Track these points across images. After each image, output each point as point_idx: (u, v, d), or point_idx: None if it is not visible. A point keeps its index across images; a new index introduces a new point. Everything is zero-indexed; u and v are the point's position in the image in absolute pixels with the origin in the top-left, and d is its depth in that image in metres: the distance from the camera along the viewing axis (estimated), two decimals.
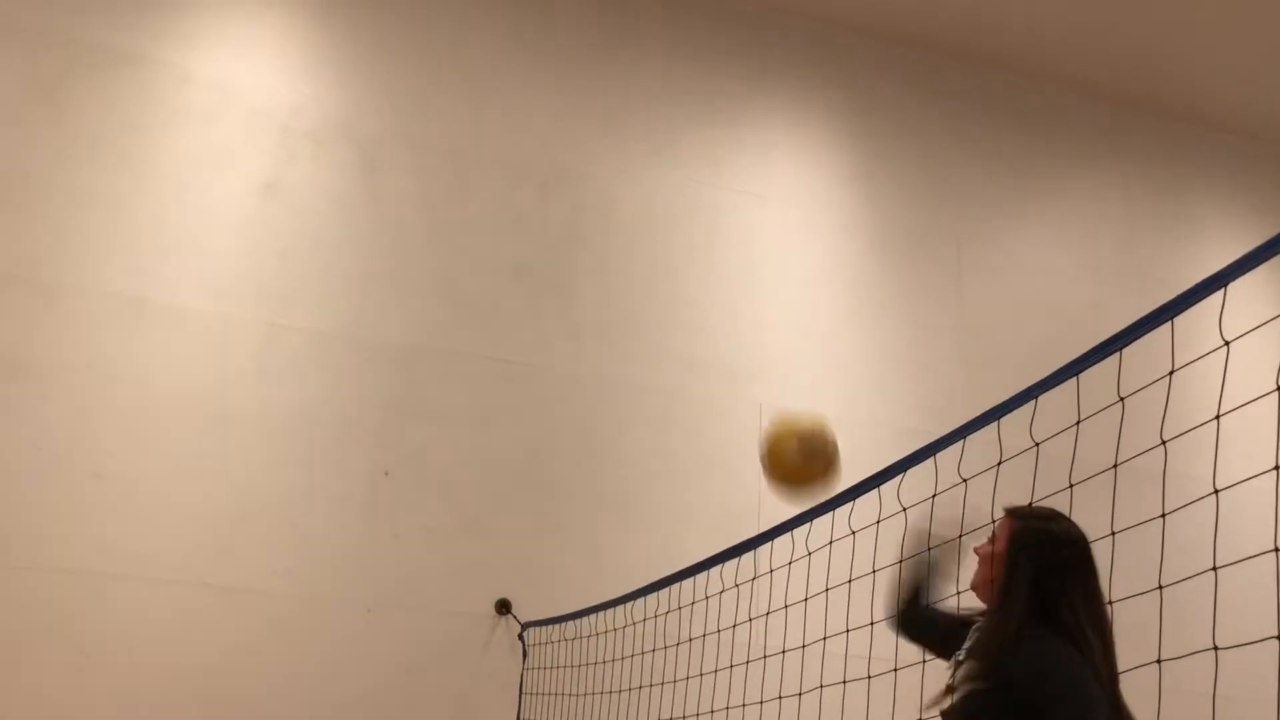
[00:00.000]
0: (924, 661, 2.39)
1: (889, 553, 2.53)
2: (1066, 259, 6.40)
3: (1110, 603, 2.25)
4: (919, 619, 2.65)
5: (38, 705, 4.16)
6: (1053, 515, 2.45)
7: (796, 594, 2.83)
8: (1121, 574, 2.27)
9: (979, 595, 2.49)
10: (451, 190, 5.32)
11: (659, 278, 5.58)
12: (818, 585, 2.70)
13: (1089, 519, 2.31)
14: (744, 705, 3.03)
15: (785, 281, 5.81)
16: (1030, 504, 2.45)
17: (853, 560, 2.72)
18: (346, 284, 5.03)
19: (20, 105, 4.73)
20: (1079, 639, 2.22)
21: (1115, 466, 2.10)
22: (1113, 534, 2.14)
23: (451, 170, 5.34)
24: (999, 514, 2.43)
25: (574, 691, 4.16)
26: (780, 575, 2.90)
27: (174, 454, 4.58)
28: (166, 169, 4.88)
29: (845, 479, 2.69)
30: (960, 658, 2.36)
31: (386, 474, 4.85)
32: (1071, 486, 2.09)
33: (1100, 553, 2.25)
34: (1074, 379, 2.08)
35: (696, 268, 5.67)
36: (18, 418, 4.41)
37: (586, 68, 5.75)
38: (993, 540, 2.47)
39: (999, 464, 2.22)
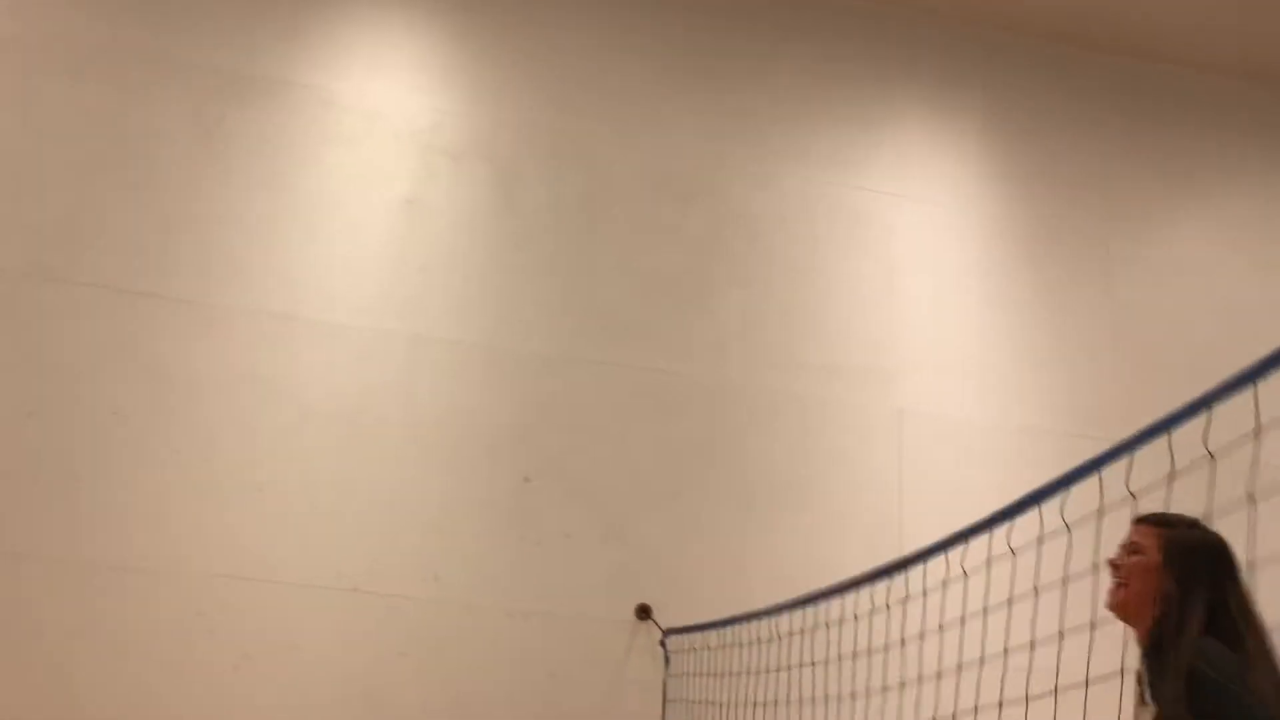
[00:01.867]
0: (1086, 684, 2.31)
1: (1048, 571, 2.47)
2: (1229, 256, 6.12)
3: None
4: None
5: (203, 704, 4.36)
6: (1196, 523, 2.34)
7: (952, 614, 2.78)
8: None
9: (1126, 613, 2.34)
10: (589, 202, 5.39)
11: (798, 283, 5.55)
12: (973, 605, 2.64)
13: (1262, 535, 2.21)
14: None
15: (926, 284, 5.72)
16: (1165, 511, 2.33)
17: (1014, 579, 2.65)
18: (487, 296, 5.14)
19: (185, 139, 4.96)
20: (1247, 651, 2.13)
21: None
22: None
23: (589, 183, 5.42)
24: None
25: (716, 700, 4.16)
26: (934, 596, 2.85)
27: (327, 465, 4.75)
28: (315, 190, 5.06)
29: (994, 484, 2.62)
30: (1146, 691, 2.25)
31: (527, 481, 4.93)
32: (1254, 500, 1.99)
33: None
34: (1250, 386, 1.98)
35: (836, 272, 5.62)
36: (184, 432, 4.63)
37: (723, 75, 5.75)
38: (1135, 551, 2.35)
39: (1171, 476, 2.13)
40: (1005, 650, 2.47)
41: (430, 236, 5.15)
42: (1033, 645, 2.42)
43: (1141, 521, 2.39)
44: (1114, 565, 2.38)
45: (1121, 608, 2.35)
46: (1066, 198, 6.02)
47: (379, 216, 5.12)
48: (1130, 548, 2.36)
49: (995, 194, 5.96)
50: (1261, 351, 1.93)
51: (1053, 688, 2.29)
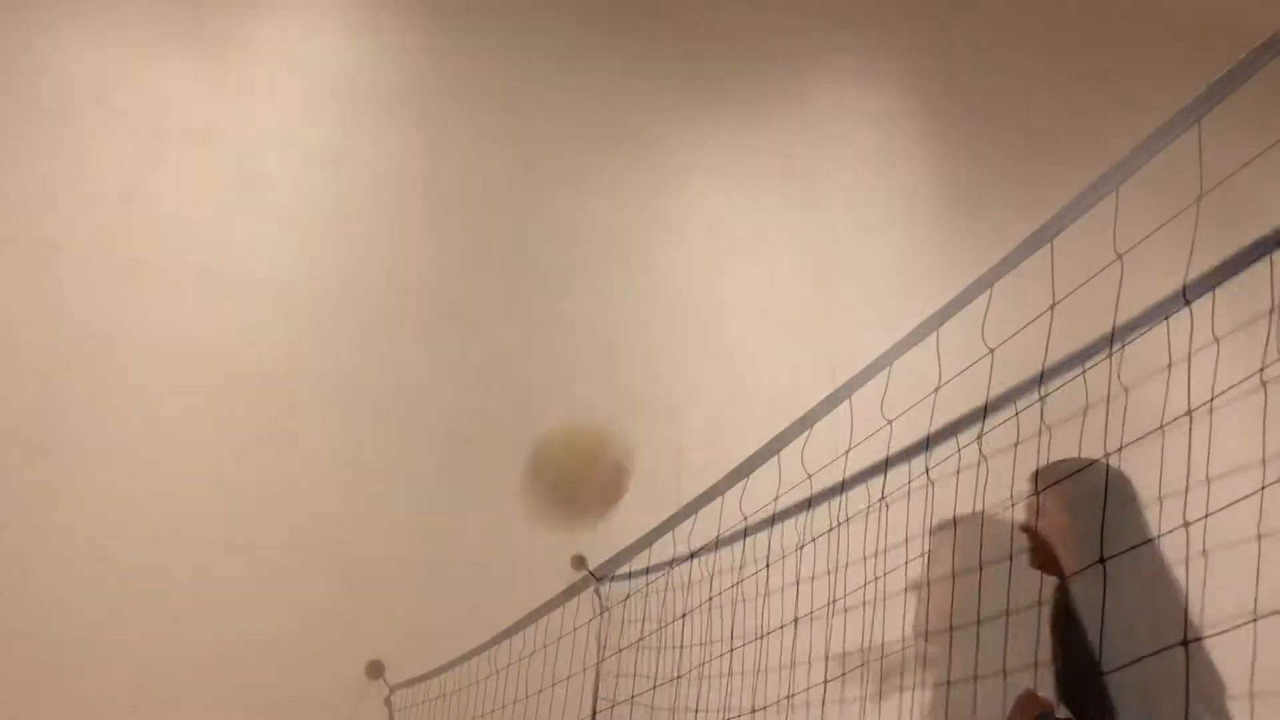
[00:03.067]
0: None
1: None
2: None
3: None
4: None
5: (131, 665, 4.26)
6: (1088, 464, 2.25)
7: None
8: None
9: (1048, 570, 2.40)
10: (524, 155, 5.25)
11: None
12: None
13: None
14: None
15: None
16: (1048, 464, 2.31)
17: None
18: (418, 249, 5.01)
19: (97, 86, 4.81)
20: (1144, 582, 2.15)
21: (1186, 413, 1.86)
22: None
23: (532, 140, 5.28)
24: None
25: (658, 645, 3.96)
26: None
27: (251, 424, 4.64)
28: (235, 139, 4.93)
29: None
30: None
31: (469, 442, 4.83)
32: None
33: None
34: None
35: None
36: (100, 392, 4.52)
37: (656, 26, 5.61)
38: (1042, 513, 2.36)
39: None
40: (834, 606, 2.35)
41: (358, 188, 5.03)
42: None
43: (1039, 480, 2.39)
44: (1026, 530, 2.42)
45: (1042, 567, 2.41)
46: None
47: (302, 167, 4.99)
48: (1037, 510, 2.40)
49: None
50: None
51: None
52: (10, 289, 4.54)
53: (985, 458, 2.02)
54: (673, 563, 2.86)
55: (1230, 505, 1.49)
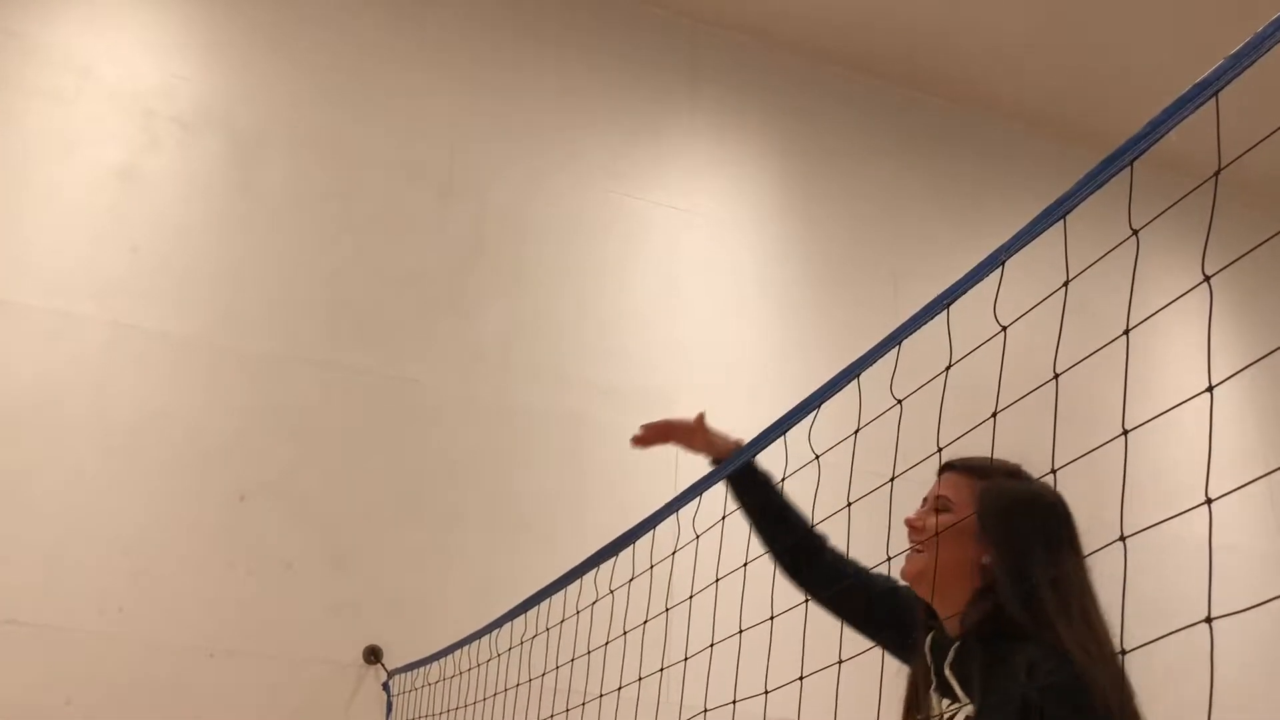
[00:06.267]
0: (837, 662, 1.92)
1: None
2: (1005, 291, 5.88)
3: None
4: (818, 567, 2.13)
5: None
6: (1018, 471, 1.87)
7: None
8: None
9: (926, 588, 1.82)
10: (337, 189, 4.87)
11: (570, 293, 5.15)
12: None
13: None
14: None
15: (709, 303, 5.39)
16: (977, 457, 1.83)
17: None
18: (209, 284, 4.49)
19: None
20: (1084, 646, 1.64)
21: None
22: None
23: (338, 168, 4.90)
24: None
25: None
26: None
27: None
28: (9, 149, 4.36)
29: None
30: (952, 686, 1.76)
31: (242, 499, 4.31)
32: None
33: None
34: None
35: (612, 284, 5.25)
36: None
37: (498, 68, 5.34)
38: (941, 507, 1.85)
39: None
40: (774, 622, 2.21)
41: (146, 212, 4.51)
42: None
43: (949, 469, 1.91)
44: (912, 525, 1.88)
45: (919, 577, 1.82)
46: (858, 227, 5.82)
47: (85, 185, 4.42)
48: (935, 503, 1.87)
49: (786, 218, 5.71)
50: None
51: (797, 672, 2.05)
52: None
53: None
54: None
55: (1243, 486, 1.45)
